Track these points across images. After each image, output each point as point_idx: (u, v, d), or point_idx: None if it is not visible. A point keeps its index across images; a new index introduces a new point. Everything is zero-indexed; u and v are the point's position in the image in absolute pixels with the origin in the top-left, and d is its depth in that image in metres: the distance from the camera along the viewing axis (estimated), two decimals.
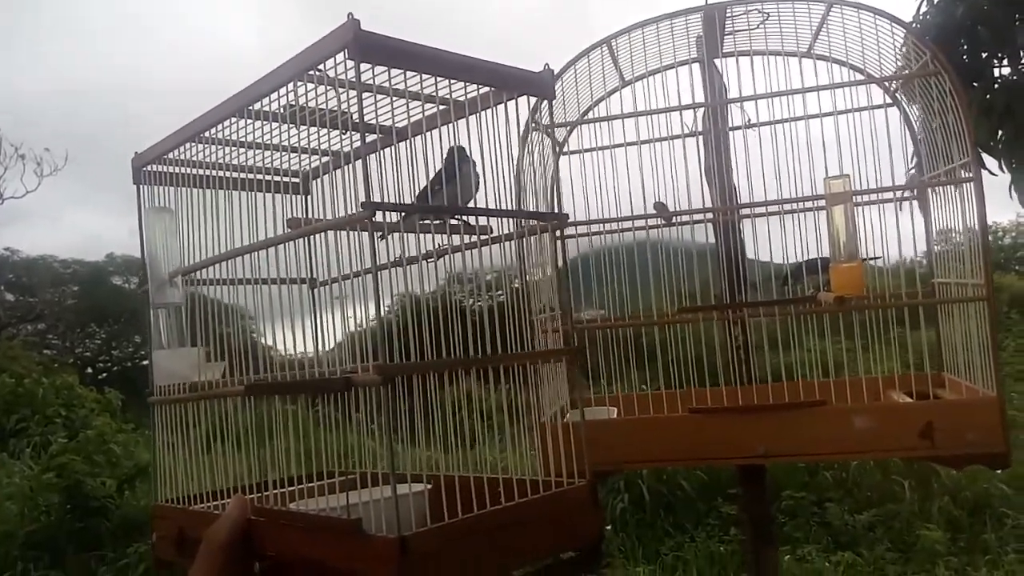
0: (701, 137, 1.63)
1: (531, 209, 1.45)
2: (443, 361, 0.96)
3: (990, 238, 1.42)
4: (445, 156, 1.01)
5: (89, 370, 14.21)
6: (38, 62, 24.44)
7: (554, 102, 1.60)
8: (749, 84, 1.45)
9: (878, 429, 1.28)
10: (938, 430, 1.26)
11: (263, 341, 1.18)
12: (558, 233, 1.66)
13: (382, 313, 0.84)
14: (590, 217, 1.58)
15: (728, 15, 1.53)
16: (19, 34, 22.47)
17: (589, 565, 0.96)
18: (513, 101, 0.97)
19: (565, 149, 1.67)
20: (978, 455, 1.31)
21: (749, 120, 1.48)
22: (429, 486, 0.94)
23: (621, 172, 1.56)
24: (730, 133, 1.62)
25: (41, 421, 7.30)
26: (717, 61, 1.58)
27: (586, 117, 1.67)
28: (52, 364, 11.66)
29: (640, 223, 1.55)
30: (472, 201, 1.08)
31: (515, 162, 0.97)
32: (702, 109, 1.62)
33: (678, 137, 1.51)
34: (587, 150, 1.62)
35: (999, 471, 4.25)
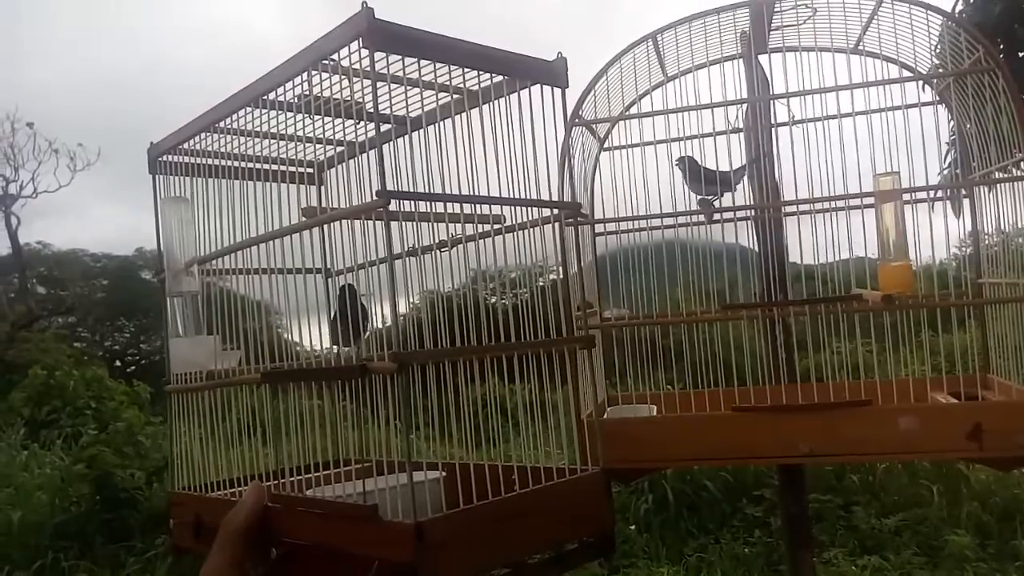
0: (743, 134, 1.62)
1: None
2: (458, 349, 0.97)
3: (1022, 240, 1.40)
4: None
5: (118, 363, 14.42)
6: (67, 56, 24.81)
7: (598, 97, 1.59)
8: (795, 80, 1.44)
9: (925, 430, 1.27)
10: (986, 432, 1.24)
11: (279, 330, 1.18)
12: (600, 228, 1.67)
13: (397, 302, 0.84)
14: (633, 213, 1.57)
15: (776, 10, 1.52)
16: (47, 27, 22.84)
17: (602, 552, 0.98)
18: (526, 90, 0.97)
19: (607, 144, 1.67)
20: None
21: (793, 117, 1.47)
22: (444, 473, 0.95)
23: (663, 168, 1.55)
24: (773, 130, 1.61)
25: (72, 413, 7.44)
26: (762, 57, 1.57)
27: (629, 113, 1.66)
28: (82, 357, 11.85)
29: (682, 219, 1.54)
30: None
31: (531, 150, 0.96)
32: (745, 105, 1.60)
33: (721, 134, 1.50)
34: (629, 146, 1.61)
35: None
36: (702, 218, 1.53)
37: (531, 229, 1.02)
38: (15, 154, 12.92)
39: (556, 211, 1.06)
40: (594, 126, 1.63)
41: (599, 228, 1.69)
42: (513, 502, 0.88)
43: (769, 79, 1.58)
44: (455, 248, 0.97)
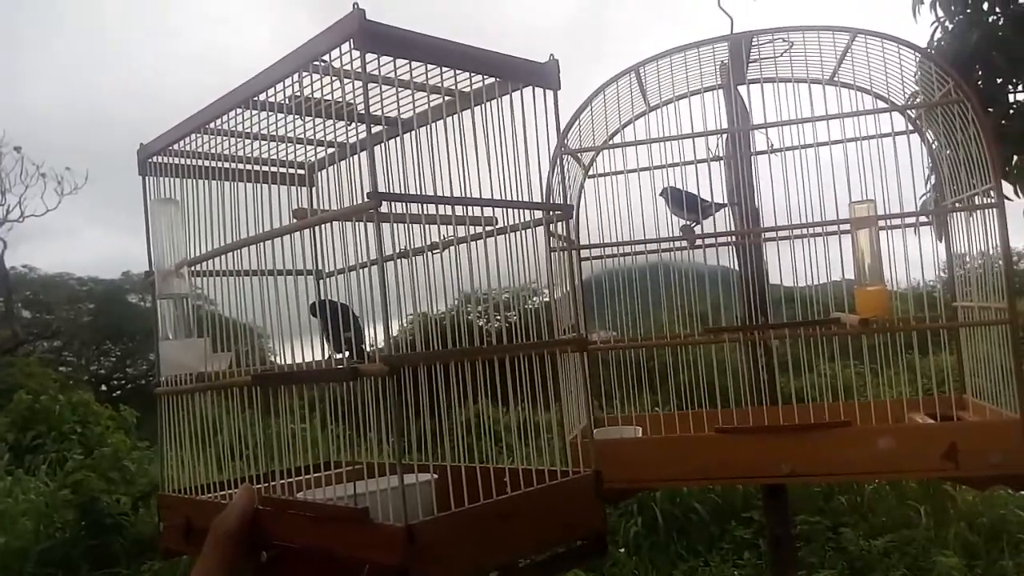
0: (724, 162, 1.66)
1: (559, 228, 1.48)
2: (449, 351, 0.96)
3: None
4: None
5: (104, 387, 14.29)
6: (56, 79, 24.83)
7: (583, 127, 1.63)
8: (773, 110, 1.48)
9: (902, 450, 1.30)
10: (962, 451, 1.27)
11: (270, 333, 1.16)
12: (585, 252, 1.70)
13: (389, 307, 0.83)
14: (617, 239, 1.60)
15: (753, 43, 1.57)
16: (34, 52, 22.87)
17: (594, 555, 0.97)
18: (518, 92, 0.96)
19: (592, 172, 1.71)
20: (1002, 476, 1.32)
21: (772, 145, 1.51)
22: (435, 476, 0.94)
23: (646, 195, 1.59)
24: (753, 158, 1.65)
25: (57, 438, 7.35)
26: (741, 88, 1.61)
27: (613, 142, 1.70)
28: (68, 381, 11.73)
29: (665, 245, 1.58)
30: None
31: (521, 153, 0.96)
32: (725, 135, 1.65)
33: (702, 162, 1.54)
34: (613, 173, 1.65)
35: (1019, 493, 4.22)
36: (684, 243, 1.56)
37: (522, 232, 1.02)
38: (2, 178, 12.86)
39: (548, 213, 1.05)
40: (579, 154, 1.67)
41: (584, 253, 1.72)
42: (504, 504, 0.88)
43: (748, 109, 1.62)
44: (447, 251, 0.96)
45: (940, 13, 4.17)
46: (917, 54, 1.46)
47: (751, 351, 1.61)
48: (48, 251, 25.95)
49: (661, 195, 1.59)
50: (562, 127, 1.52)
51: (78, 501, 5.14)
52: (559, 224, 1.54)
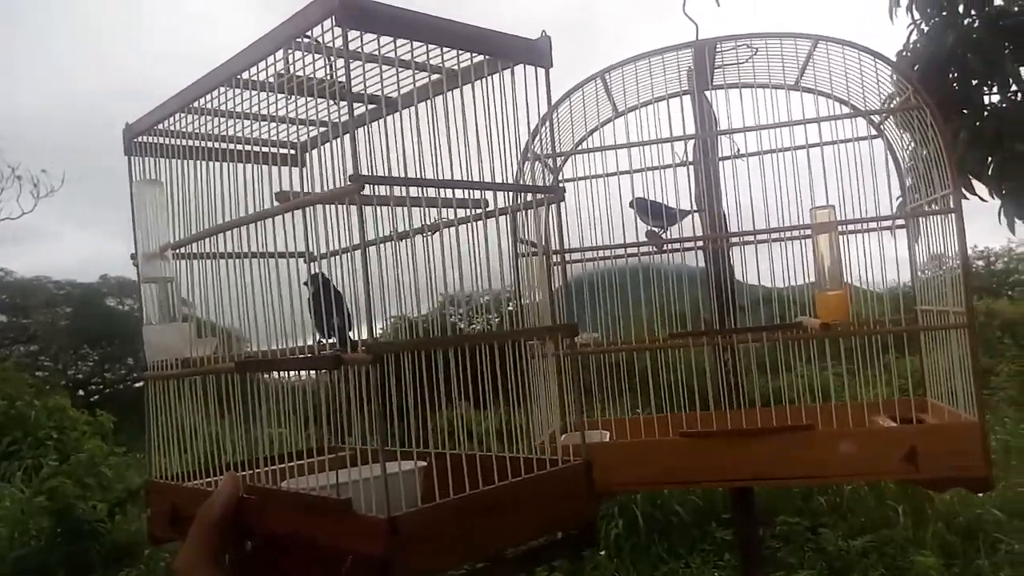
0: (692, 167, 1.67)
1: (526, 231, 1.48)
2: (433, 339, 0.95)
3: (981, 263, 1.46)
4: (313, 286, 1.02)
5: (81, 392, 14.13)
6: (37, 79, 24.58)
7: (551, 133, 1.63)
8: (738, 116, 1.49)
9: (863, 453, 1.31)
10: (921, 454, 1.29)
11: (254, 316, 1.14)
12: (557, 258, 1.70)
13: (372, 295, 0.81)
14: (584, 244, 1.61)
15: (718, 50, 1.58)
16: (14, 52, 22.64)
17: (583, 545, 0.96)
18: (509, 70, 0.93)
19: (560, 178, 1.71)
20: (961, 478, 1.34)
21: (738, 151, 1.52)
22: (422, 464, 0.92)
23: (615, 200, 1.60)
24: (720, 163, 1.66)
25: (33, 444, 7.25)
26: (707, 93, 1.63)
27: (581, 147, 1.71)
28: (44, 386, 11.57)
29: (632, 250, 1.58)
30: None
31: (513, 134, 0.92)
32: (692, 140, 1.66)
33: (669, 167, 1.55)
34: (582, 178, 1.66)
35: (983, 494, 4.26)
36: (652, 248, 1.57)
37: (509, 217, 1.00)
38: None
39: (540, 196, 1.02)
40: (548, 160, 1.67)
41: (556, 257, 1.72)
42: (491, 495, 0.86)
43: (715, 114, 1.63)
44: (434, 235, 0.91)
45: (916, 16, 4.22)
46: (877, 60, 1.47)
47: (719, 355, 1.62)
48: (25, 254, 25.68)
49: (631, 206, 1.61)
50: (544, 116, 1.51)
51: (54, 508, 5.09)
52: (534, 226, 1.54)
